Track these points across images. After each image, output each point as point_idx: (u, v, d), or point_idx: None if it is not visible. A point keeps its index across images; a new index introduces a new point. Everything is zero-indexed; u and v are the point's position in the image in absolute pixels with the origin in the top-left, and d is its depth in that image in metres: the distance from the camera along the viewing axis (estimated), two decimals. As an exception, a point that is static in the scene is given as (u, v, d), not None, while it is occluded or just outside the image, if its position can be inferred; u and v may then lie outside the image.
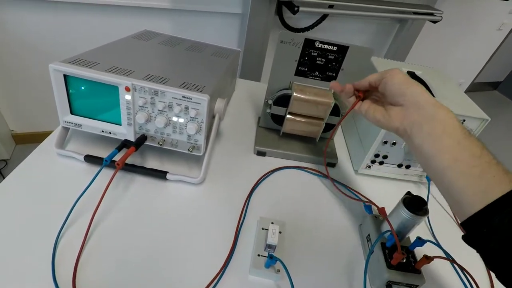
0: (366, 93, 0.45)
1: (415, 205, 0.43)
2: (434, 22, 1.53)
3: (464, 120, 0.54)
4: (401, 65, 0.68)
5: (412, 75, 0.65)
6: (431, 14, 1.50)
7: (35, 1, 1.17)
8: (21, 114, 1.54)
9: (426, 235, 0.54)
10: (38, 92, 1.43)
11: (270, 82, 0.61)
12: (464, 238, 0.33)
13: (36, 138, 1.59)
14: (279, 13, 1.43)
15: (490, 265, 0.32)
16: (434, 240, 0.53)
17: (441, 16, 1.50)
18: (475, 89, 2.99)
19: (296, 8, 1.20)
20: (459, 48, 2.14)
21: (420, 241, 0.43)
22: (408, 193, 0.46)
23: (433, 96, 0.57)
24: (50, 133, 0.59)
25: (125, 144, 0.51)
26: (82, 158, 0.54)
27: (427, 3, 1.56)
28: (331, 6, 1.34)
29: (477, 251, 0.32)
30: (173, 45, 0.69)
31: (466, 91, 2.56)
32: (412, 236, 0.46)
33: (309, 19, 1.53)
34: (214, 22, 1.44)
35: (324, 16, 1.51)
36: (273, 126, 0.67)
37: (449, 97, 0.58)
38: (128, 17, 1.32)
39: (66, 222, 0.44)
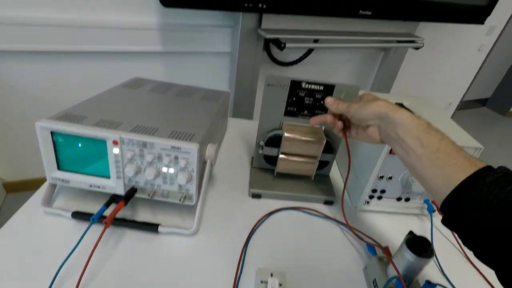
0: (346, 122, 0.50)
1: (419, 246, 0.41)
2: (417, 48, 1.59)
3: (458, 151, 0.53)
4: (388, 97, 0.68)
5: (400, 106, 0.65)
6: (413, 41, 1.56)
7: (25, 52, 1.20)
8: (11, 162, 1.51)
9: (436, 275, 0.52)
10: (27, 140, 1.42)
11: (260, 123, 0.61)
12: (442, 222, 0.36)
13: (27, 186, 1.56)
14: (267, 49, 1.48)
15: (465, 245, 0.34)
16: (445, 281, 0.50)
17: (423, 43, 1.56)
18: (465, 107, 3.05)
19: (282, 45, 1.24)
20: (443, 71, 2.21)
21: (429, 285, 0.40)
22: (411, 233, 0.44)
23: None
24: (41, 180, 0.57)
25: (113, 199, 0.49)
26: (69, 215, 0.52)
27: (408, 31, 1.63)
28: (316, 41, 1.39)
29: (455, 232, 0.35)
30: (163, 92, 0.69)
31: (456, 110, 2.61)
32: (421, 277, 0.44)
33: (297, 53, 1.58)
34: (205, 62, 1.48)
35: (310, 50, 1.56)
36: (266, 166, 0.66)
37: (440, 128, 0.57)
38: (121, 63, 1.35)
39: (53, 284, 0.42)
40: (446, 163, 0.35)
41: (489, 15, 1.57)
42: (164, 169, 0.49)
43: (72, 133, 0.48)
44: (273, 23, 1.29)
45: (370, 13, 1.31)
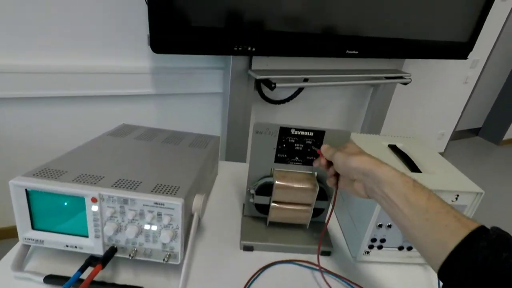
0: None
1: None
2: (405, 84, 1.62)
3: (457, 195, 0.51)
4: (380, 139, 0.67)
5: (393, 148, 0.64)
6: (401, 77, 1.60)
7: (15, 98, 1.19)
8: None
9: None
10: (3, 187, 1.36)
11: (250, 170, 0.58)
12: None
13: (5, 234, 1.47)
14: (258, 88, 1.50)
15: None
16: None
17: (410, 78, 1.60)
18: (458, 137, 3.07)
19: (273, 85, 1.26)
20: (433, 103, 2.25)
21: None
22: (416, 293, 0.40)
23: (420, 171, 0.56)
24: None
25: (90, 262, 0.45)
26: (41, 280, 0.47)
27: (395, 68, 1.68)
28: (306, 80, 1.41)
29: None
30: (150, 139, 0.67)
31: (450, 140, 2.62)
32: None
33: (288, 91, 1.60)
34: (197, 102, 1.49)
35: (301, 88, 1.59)
36: (259, 215, 0.62)
37: (437, 172, 0.55)
38: (114, 105, 1.35)
39: None
40: (437, 225, 0.33)
41: (471, 50, 1.63)
42: (147, 227, 0.46)
43: (49, 190, 0.45)
44: (263, 64, 1.32)
45: (356, 52, 1.35)
